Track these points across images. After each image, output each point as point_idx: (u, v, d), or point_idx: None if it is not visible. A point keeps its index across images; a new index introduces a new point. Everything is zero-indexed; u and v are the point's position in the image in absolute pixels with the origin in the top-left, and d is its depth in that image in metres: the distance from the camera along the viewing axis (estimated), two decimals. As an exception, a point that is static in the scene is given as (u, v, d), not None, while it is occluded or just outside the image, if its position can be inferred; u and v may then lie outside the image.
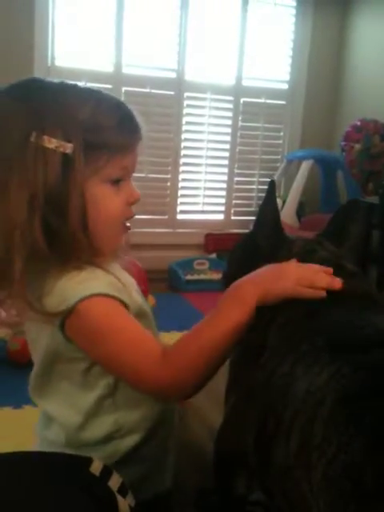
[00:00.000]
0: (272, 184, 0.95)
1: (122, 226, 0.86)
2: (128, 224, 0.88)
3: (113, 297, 0.78)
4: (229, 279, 1.05)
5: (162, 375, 0.75)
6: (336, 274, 0.83)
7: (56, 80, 0.84)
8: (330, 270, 0.81)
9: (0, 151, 0.77)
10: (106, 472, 0.72)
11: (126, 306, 0.81)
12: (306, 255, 0.89)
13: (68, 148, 0.75)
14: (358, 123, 3.05)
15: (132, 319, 0.80)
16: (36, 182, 0.74)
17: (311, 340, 0.72)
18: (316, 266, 0.81)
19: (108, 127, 0.80)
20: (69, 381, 0.85)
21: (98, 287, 0.77)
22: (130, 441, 0.87)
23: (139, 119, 0.87)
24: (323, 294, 0.77)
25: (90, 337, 0.78)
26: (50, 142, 0.75)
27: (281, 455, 0.67)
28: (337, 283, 0.78)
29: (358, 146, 3.00)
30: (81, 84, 0.85)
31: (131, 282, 0.92)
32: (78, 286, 0.76)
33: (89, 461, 0.72)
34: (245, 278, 0.81)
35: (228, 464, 0.89)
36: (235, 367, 0.91)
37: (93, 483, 0.69)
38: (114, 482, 0.72)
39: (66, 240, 0.76)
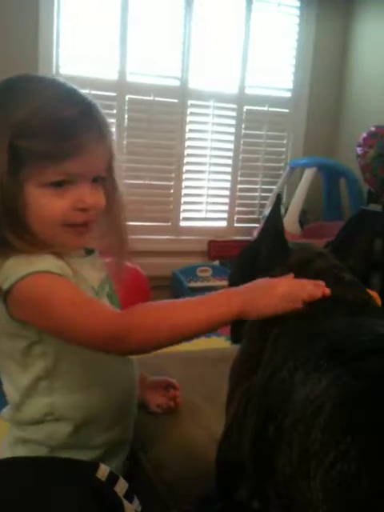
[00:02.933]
0: (278, 197, 0.97)
1: (61, 228, 0.84)
2: (80, 227, 0.87)
3: (57, 274, 0.80)
4: (233, 284, 1.06)
5: (113, 325, 0.77)
6: (332, 284, 0.83)
7: (37, 76, 0.88)
8: (319, 282, 0.80)
9: None
10: (112, 477, 0.73)
11: None
12: (302, 266, 0.90)
13: None
14: (373, 129, 3.05)
15: (75, 287, 0.81)
16: None
17: (310, 348, 0.72)
18: (304, 281, 0.80)
19: (43, 132, 0.79)
20: (11, 360, 0.89)
21: (43, 266, 0.80)
22: (66, 427, 0.89)
23: (100, 120, 0.85)
24: (300, 304, 0.77)
25: (34, 308, 0.80)
26: None
27: (283, 463, 0.67)
28: (319, 292, 0.77)
29: (371, 152, 3.00)
30: (56, 79, 0.87)
31: (94, 278, 0.92)
32: (23, 265, 0.79)
33: (95, 466, 0.73)
34: (239, 287, 0.81)
35: (231, 472, 0.90)
36: (235, 377, 0.92)
37: (99, 488, 0.70)
38: (120, 487, 0.73)
39: None
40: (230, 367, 0.94)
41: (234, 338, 1.08)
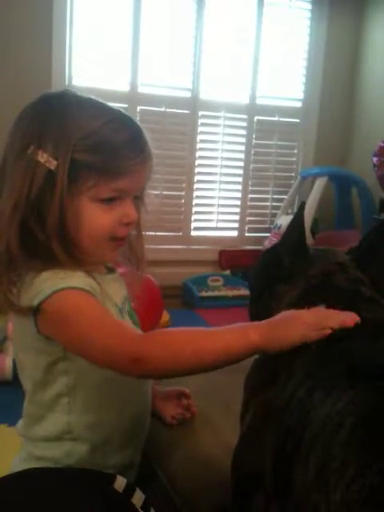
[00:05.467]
0: (302, 205, 0.97)
1: (107, 241, 0.88)
2: (119, 240, 0.90)
3: (86, 291, 0.82)
4: (253, 287, 1.05)
5: (132, 346, 0.76)
6: (352, 299, 0.82)
7: (83, 95, 0.89)
8: (350, 313, 0.77)
9: (6, 158, 0.84)
10: (129, 489, 0.73)
11: None
12: (323, 279, 0.89)
13: (53, 165, 0.80)
14: (390, 138, 3.05)
15: (103, 308, 0.83)
16: (21, 190, 0.80)
17: (329, 369, 0.72)
18: (326, 311, 0.80)
19: (102, 150, 0.83)
20: (30, 376, 0.90)
21: (73, 283, 0.81)
22: (83, 447, 0.89)
23: (147, 143, 0.88)
24: (328, 331, 0.76)
25: (60, 323, 0.81)
26: (42, 157, 0.81)
27: (300, 479, 0.67)
28: (350, 320, 0.75)
29: (388, 162, 2.99)
30: (104, 102, 0.89)
31: (117, 296, 0.94)
32: (56, 280, 0.81)
33: (112, 478, 0.73)
34: (260, 322, 0.81)
35: (246, 483, 0.89)
36: (251, 387, 0.91)
37: (116, 500, 0.70)
38: (137, 499, 0.73)
39: (43, 246, 0.81)
40: (245, 377, 0.94)
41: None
